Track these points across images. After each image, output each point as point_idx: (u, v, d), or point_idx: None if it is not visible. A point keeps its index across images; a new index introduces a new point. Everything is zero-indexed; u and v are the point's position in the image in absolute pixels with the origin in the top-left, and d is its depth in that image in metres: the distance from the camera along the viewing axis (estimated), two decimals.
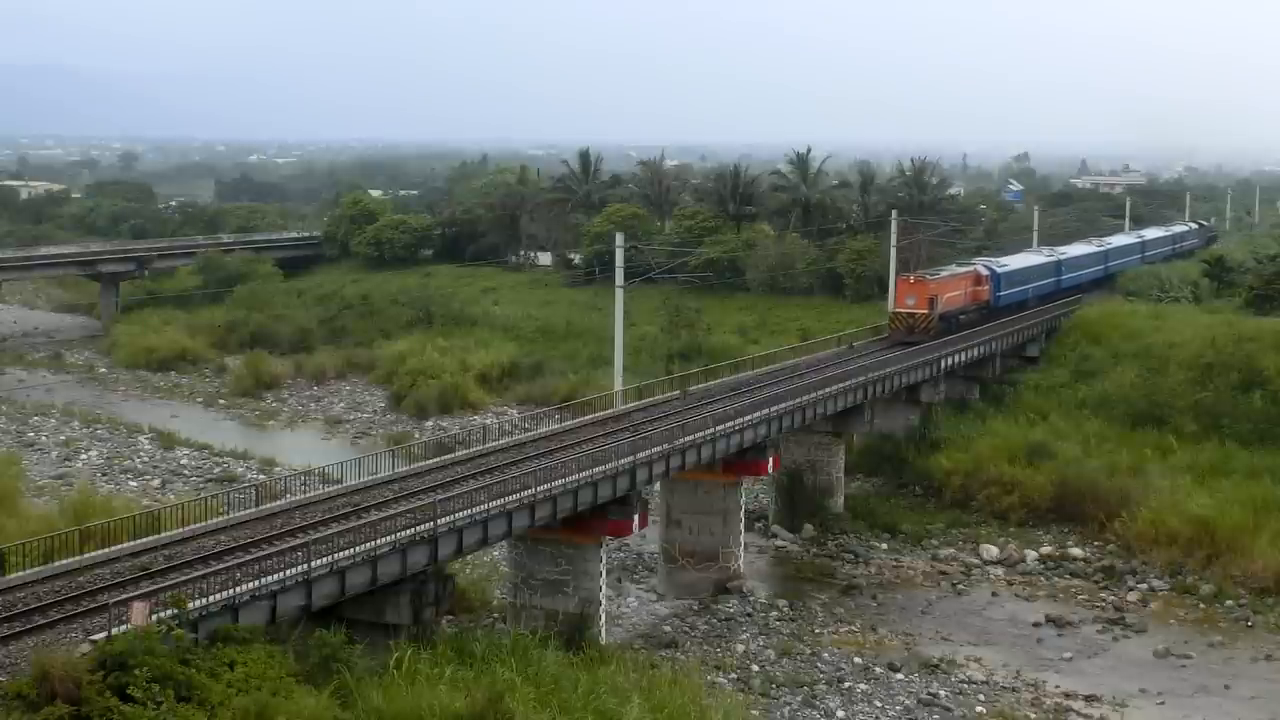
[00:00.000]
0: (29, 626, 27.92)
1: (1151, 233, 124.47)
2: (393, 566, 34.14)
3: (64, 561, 32.19)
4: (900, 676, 43.69)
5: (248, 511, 37.35)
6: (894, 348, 70.10)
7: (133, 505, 48.70)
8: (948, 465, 63.95)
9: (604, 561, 45.22)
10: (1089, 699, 42.35)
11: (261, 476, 62.91)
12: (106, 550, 33.24)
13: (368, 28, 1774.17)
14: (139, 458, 71.86)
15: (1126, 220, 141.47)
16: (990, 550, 56.99)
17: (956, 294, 75.39)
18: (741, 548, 53.37)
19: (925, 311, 71.83)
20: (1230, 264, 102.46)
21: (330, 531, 33.33)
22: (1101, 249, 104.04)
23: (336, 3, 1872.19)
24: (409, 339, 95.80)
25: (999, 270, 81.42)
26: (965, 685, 43.19)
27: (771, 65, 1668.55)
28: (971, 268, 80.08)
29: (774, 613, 49.57)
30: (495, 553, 50.76)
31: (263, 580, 30.47)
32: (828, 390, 57.67)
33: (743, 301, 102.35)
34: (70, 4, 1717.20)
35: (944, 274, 76.46)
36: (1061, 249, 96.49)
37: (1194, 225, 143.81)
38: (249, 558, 31.48)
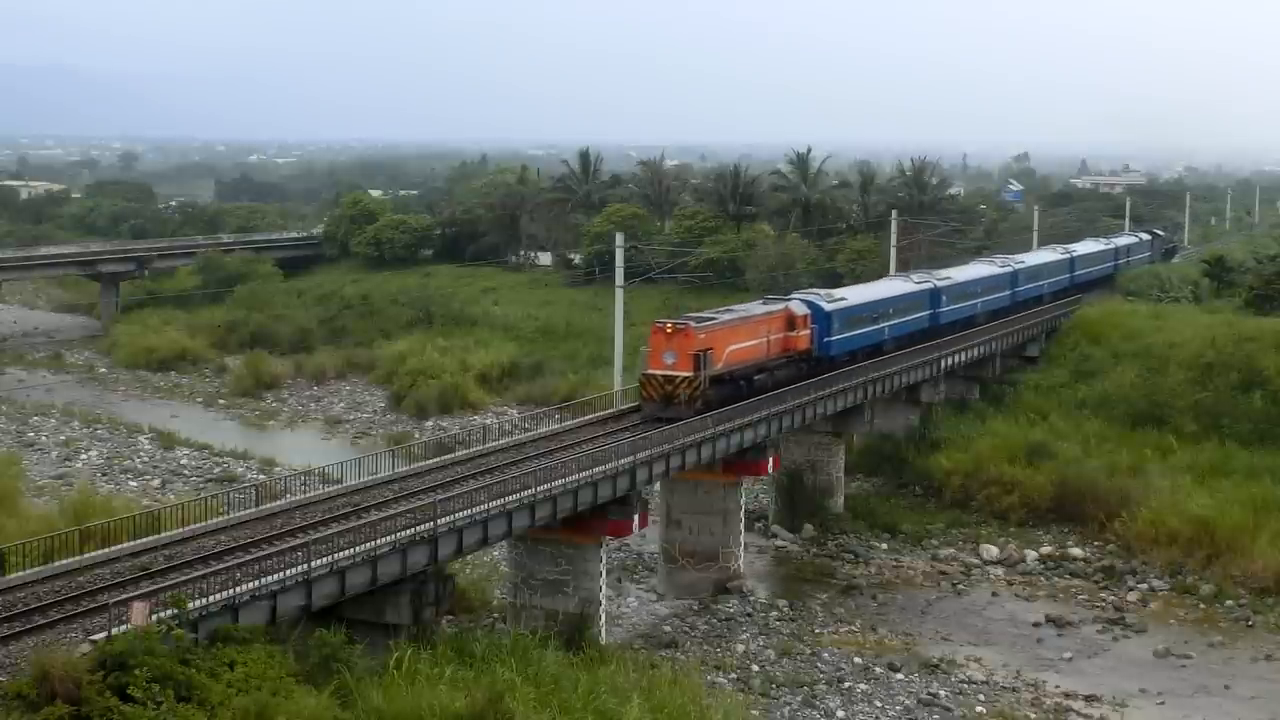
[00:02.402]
0: (29, 626, 27.91)
1: (1085, 247, 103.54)
2: (393, 566, 34.14)
3: (64, 561, 32.18)
4: (900, 676, 43.69)
5: (248, 511, 37.33)
6: (649, 423, 49.35)
7: (133, 505, 48.68)
8: (948, 465, 63.94)
9: (604, 561, 45.21)
10: (1089, 699, 42.35)
11: (261, 476, 62.90)
12: (106, 550, 33.22)
13: (368, 28, 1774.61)
14: (139, 458, 71.86)
15: (1126, 223, 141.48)
16: (990, 550, 56.99)
17: (746, 345, 54.20)
18: (741, 548, 53.36)
19: (688, 374, 49.88)
20: (1230, 264, 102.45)
21: (330, 531, 33.32)
22: (1006, 270, 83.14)
23: (336, 3, 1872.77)
24: (409, 339, 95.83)
25: (828, 306, 60.58)
26: (965, 685, 43.19)
27: (771, 65, 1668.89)
28: (782, 305, 58.48)
29: (774, 613, 49.57)
30: (495, 553, 50.76)
31: (263, 580, 30.47)
32: (827, 390, 57.67)
33: (743, 301, 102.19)
34: (70, 4, 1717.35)
35: (727, 317, 54.37)
36: (946, 273, 76.02)
37: (1144, 235, 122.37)
38: (249, 558, 31.48)
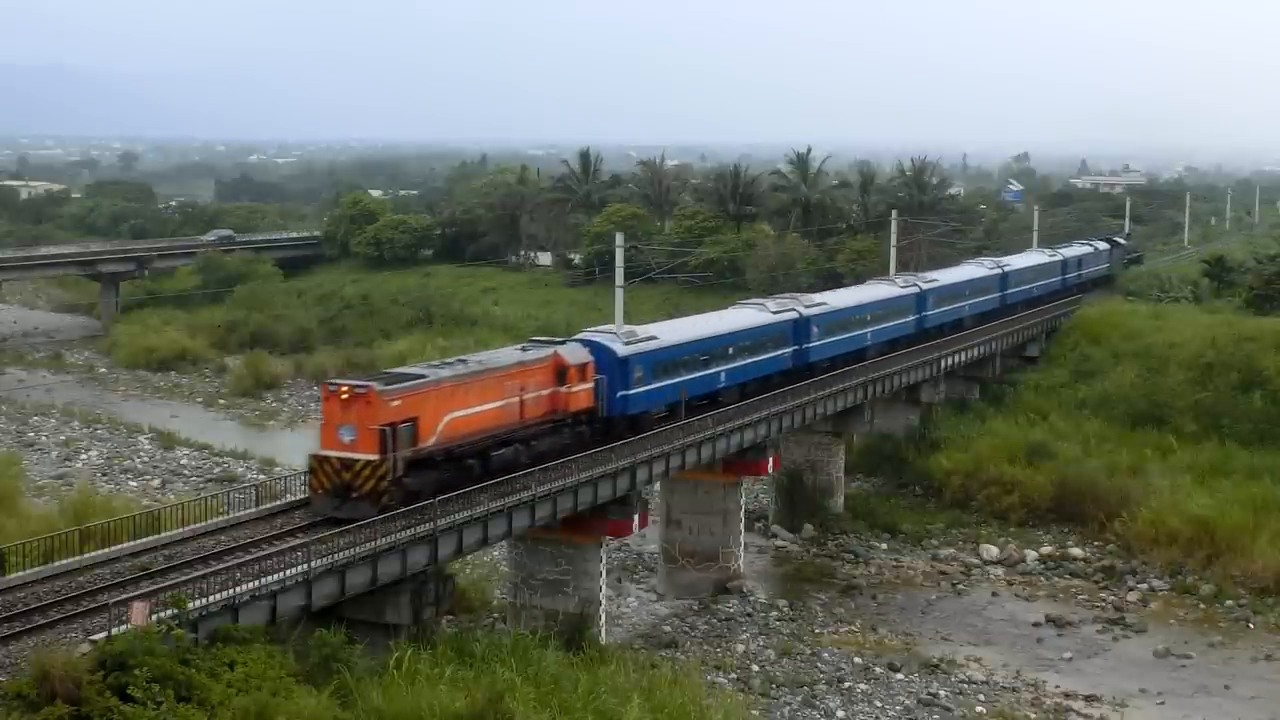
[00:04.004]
0: (29, 626, 27.89)
1: (1024, 260, 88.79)
2: (393, 566, 34.12)
3: (64, 561, 32.14)
4: (900, 676, 43.69)
5: (248, 511, 37.32)
6: (322, 524, 35.45)
7: (133, 505, 48.65)
8: (948, 465, 63.95)
9: (604, 561, 45.20)
10: (1089, 699, 42.35)
11: (261, 476, 62.89)
12: (106, 550, 33.18)
13: (368, 28, 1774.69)
14: (139, 458, 71.85)
15: (1126, 223, 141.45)
16: (990, 550, 56.99)
17: (481, 410, 39.74)
18: (741, 548, 53.35)
19: (371, 456, 35.84)
20: (1230, 264, 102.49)
21: (330, 531, 33.31)
22: (907, 292, 69.63)
23: (336, 3, 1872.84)
24: (409, 339, 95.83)
25: (627, 351, 46.58)
26: (965, 685, 43.19)
27: (771, 65, 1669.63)
28: (548, 351, 43.45)
29: (774, 613, 49.57)
30: (495, 553, 50.76)
31: (263, 580, 30.45)
32: (828, 390, 57.67)
33: (746, 298, 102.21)
34: (70, 4, 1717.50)
35: (450, 371, 39.57)
36: (820, 299, 62.01)
37: (1102, 244, 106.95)
38: (249, 558, 31.45)
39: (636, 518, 44.74)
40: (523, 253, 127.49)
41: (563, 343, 45.47)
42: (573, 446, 43.08)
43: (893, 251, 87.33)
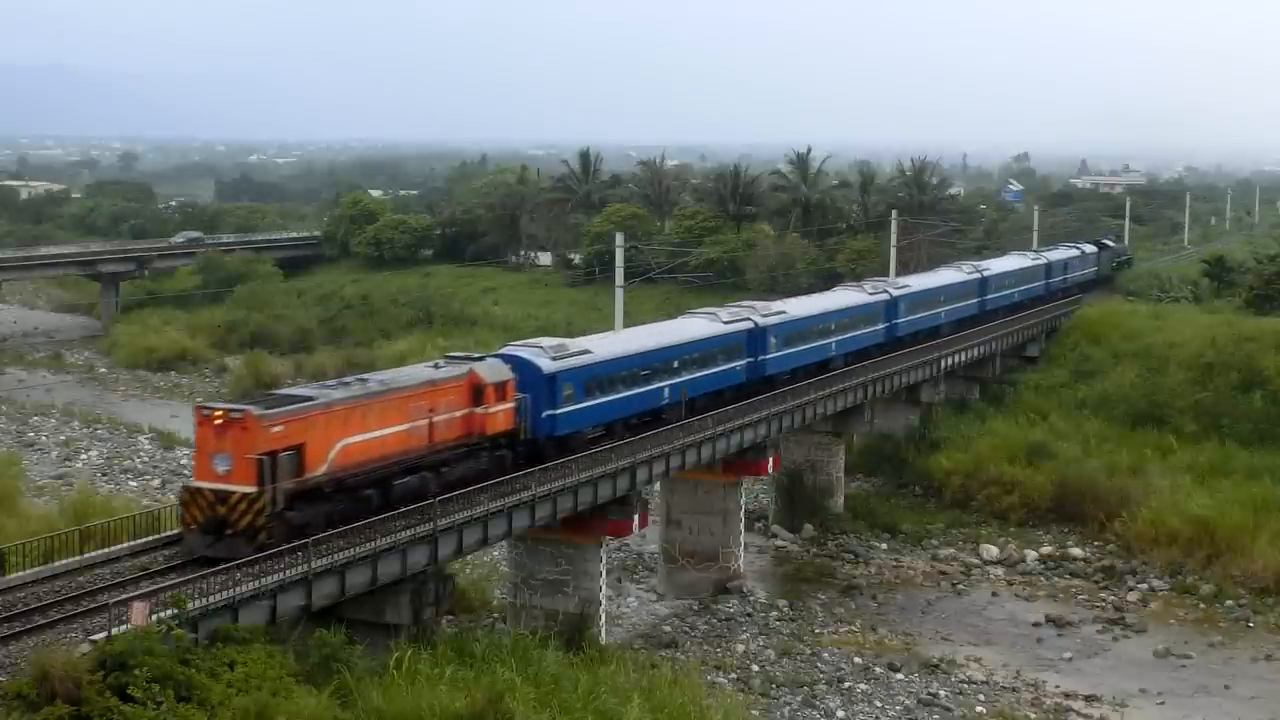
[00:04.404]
0: (29, 626, 27.88)
1: (1004, 264, 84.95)
2: (393, 566, 34.11)
3: (64, 561, 32.12)
4: (900, 676, 43.69)
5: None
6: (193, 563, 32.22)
7: (133, 505, 48.64)
8: (948, 465, 63.96)
9: (604, 561, 45.20)
10: (1089, 699, 42.36)
11: None
12: (106, 550, 33.17)
13: (368, 28, 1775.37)
14: (139, 458, 71.82)
15: (1126, 222, 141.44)
16: (990, 550, 57.00)
17: (381, 434, 36.03)
18: (741, 548, 53.35)
19: (249, 489, 32.37)
20: (1230, 264, 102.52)
21: (330, 531, 33.30)
22: (876, 299, 66.33)
23: (336, 3, 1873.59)
24: (409, 339, 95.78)
25: (555, 366, 43.28)
26: (965, 685, 43.19)
27: (771, 65, 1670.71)
28: (463, 369, 39.72)
29: (774, 613, 49.56)
30: (495, 553, 50.76)
31: (263, 580, 30.45)
32: (828, 390, 57.66)
33: (744, 299, 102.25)
34: (70, 4, 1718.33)
35: (344, 393, 35.76)
36: (779, 307, 58.62)
37: (1089, 247, 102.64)
38: (249, 558, 31.43)
39: (636, 518, 44.73)
40: (523, 253, 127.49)
41: (481, 359, 41.57)
42: (492, 472, 39.44)
43: (893, 251, 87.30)
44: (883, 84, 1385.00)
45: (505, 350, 44.43)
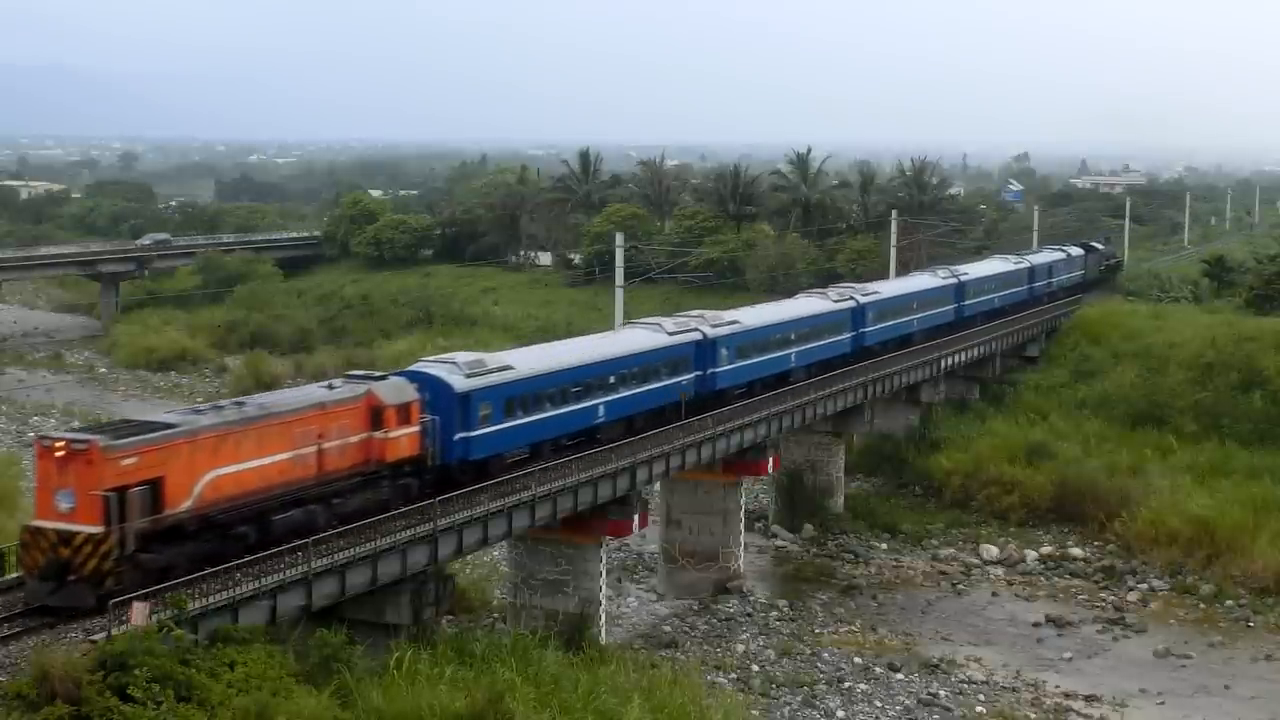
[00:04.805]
0: (29, 626, 27.87)
1: (984, 268, 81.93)
2: (393, 566, 34.12)
3: None
4: (900, 676, 43.69)
5: None
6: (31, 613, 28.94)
7: None
8: (948, 465, 63.97)
9: (604, 561, 45.21)
10: (1089, 699, 42.35)
11: None
12: None
13: (368, 28, 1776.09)
14: None
15: (1126, 222, 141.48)
16: (990, 550, 56.99)
17: (260, 464, 32.53)
18: (741, 548, 53.35)
19: (94, 529, 28.74)
20: (1230, 264, 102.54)
21: (330, 532, 33.30)
22: (841, 307, 62.77)
23: (336, 3, 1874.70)
24: (409, 339, 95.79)
25: (469, 385, 39.68)
26: (965, 685, 43.19)
27: (772, 65, 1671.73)
28: (360, 389, 35.99)
29: (774, 613, 49.57)
30: (495, 553, 50.76)
31: (263, 580, 30.45)
32: (828, 390, 57.65)
33: (743, 301, 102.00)
34: (70, 4, 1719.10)
35: (216, 419, 32.06)
36: (732, 316, 55.00)
37: (1075, 250, 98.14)
38: (249, 558, 31.42)
39: (636, 518, 44.72)
40: (523, 253, 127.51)
41: (383, 377, 37.97)
42: (394, 502, 36.02)
43: (893, 251, 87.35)
44: (883, 84, 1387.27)
45: (414, 367, 40.98)
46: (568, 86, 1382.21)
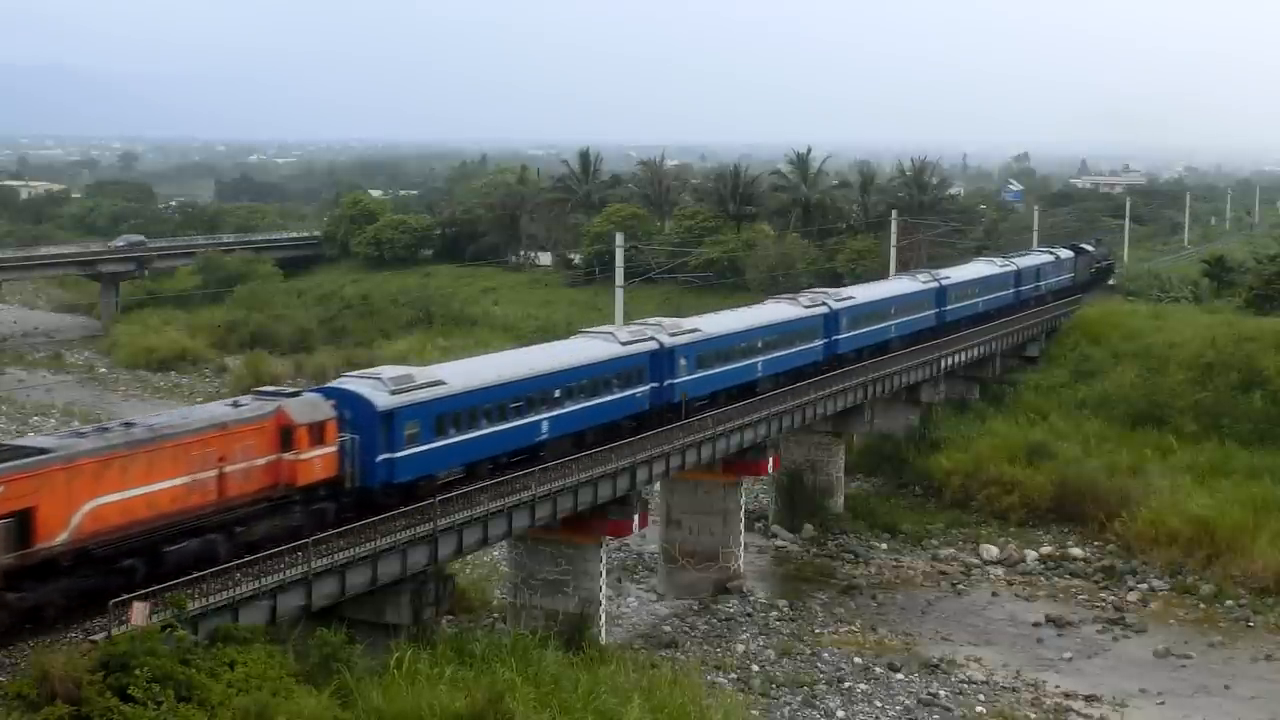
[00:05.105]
0: (29, 626, 27.86)
1: (967, 272, 79.13)
2: (393, 566, 34.14)
3: None
4: (900, 676, 43.69)
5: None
6: None
7: None
8: (948, 465, 63.97)
9: (604, 561, 45.21)
10: (1089, 699, 42.36)
11: None
12: None
13: (368, 28, 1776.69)
14: None
15: (1126, 222, 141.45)
16: (990, 550, 56.99)
17: (151, 490, 30.07)
18: (741, 548, 53.35)
19: None
20: (1230, 264, 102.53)
21: (330, 532, 33.30)
22: (813, 313, 59.85)
23: (336, 3, 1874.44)
24: (409, 339, 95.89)
25: (393, 402, 36.95)
26: (965, 685, 43.19)
27: (772, 65, 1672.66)
28: (270, 406, 33.66)
29: (774, 613, 49.56)
30: (495, 553, 50.77)
31: (263, 580, 30.47)
32: (828, 390, 57.63)
33: (743, 301, 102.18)
34: (70, 4, 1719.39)
35: (96, 441, 29.46)
36: (692, 324, 52.47)
37: (1065, 252, 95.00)
38: (249, 558, 31.43)
39: (636, 518, 44.72)
40: (523, 253, 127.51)
41: (296, 394, 35.58)
42: (308, 528, 33.23)
43: (893, 251, 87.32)
44: (883, 84, 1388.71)
45: (335, 383, 38.28)
46: (568, 86, 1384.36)
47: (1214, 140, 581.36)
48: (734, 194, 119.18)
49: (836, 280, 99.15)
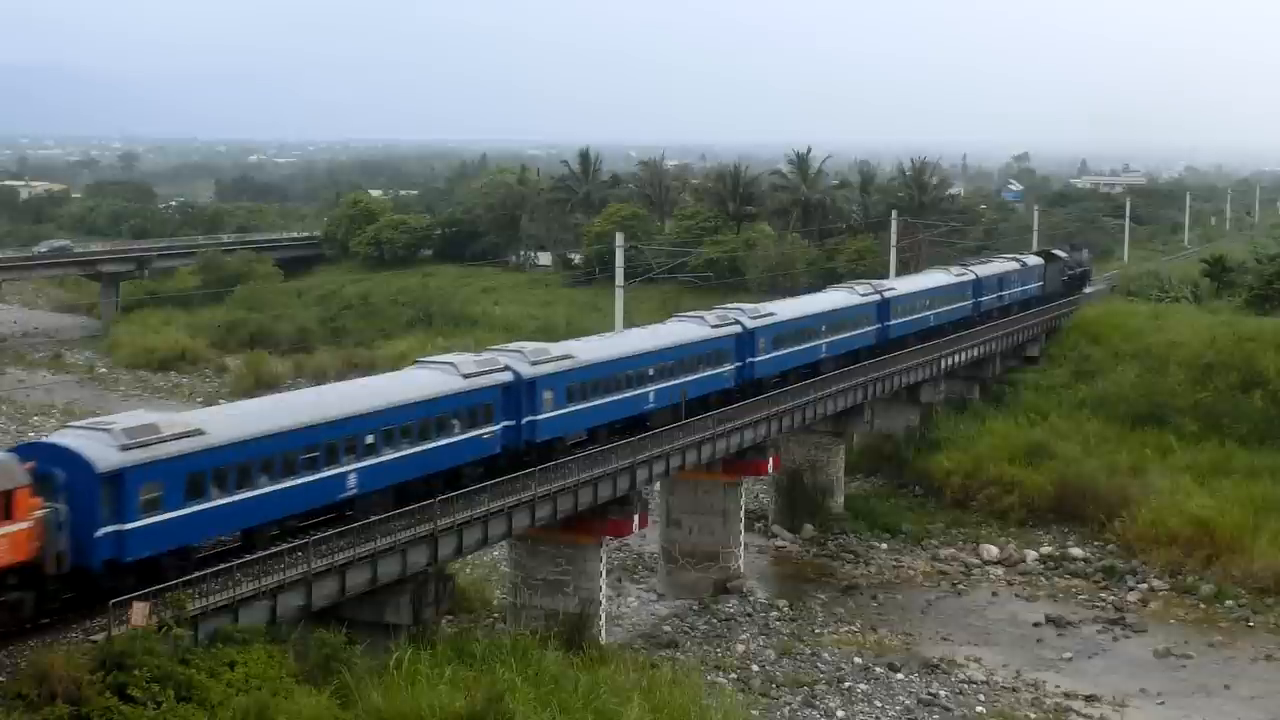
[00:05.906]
0: (29, 626, 27.85)
1: (916, 283, 73.87)
2: (393, 566, 34.13)
3: None
4: (900, 676, 43.68)
5: None
6: None
7: None
8: (948, 465, 63.94)
9: (604, 561, 45.22)
10: (1089, 699, 42.35)
11: None
12: None
13: (368, 28, 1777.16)
14: None
15: (1126, 223, 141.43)
16: (990, 550, 56.98)
17: None
18: (741, 548, 53.35)
19: None
20: (1230, 264, 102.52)
21: (330, 532, 33.29)
22: (724, 332, 52.97)
23: (337, 3, 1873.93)
24: (409, 339, 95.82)
25: (123, 460, 29.11)
26: (965, 685, 43.18)
27: (772, 65, 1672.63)
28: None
29: (774, 613, 49.55)
30: (495, 553, 50.75)
31: (263, 580, 30.46)
32: (828, 390, 57.62)
33: (743, 301, 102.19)
34: (70, 4, 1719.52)
35: None
36: (566, 349, 45.02)
37: (1033, 259, 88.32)
38: (249, 558, 31.43)
39: (636, 518, 44.74)
40: (523, 253, 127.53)
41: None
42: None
43: (893, 251, 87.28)
44: (883, 84, 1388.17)
45: (50, 438, 31.02)
46: (568, 86, 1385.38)
47: (1214, 140, 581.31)
48: (734, 194, 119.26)
49: (837, 280, 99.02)
